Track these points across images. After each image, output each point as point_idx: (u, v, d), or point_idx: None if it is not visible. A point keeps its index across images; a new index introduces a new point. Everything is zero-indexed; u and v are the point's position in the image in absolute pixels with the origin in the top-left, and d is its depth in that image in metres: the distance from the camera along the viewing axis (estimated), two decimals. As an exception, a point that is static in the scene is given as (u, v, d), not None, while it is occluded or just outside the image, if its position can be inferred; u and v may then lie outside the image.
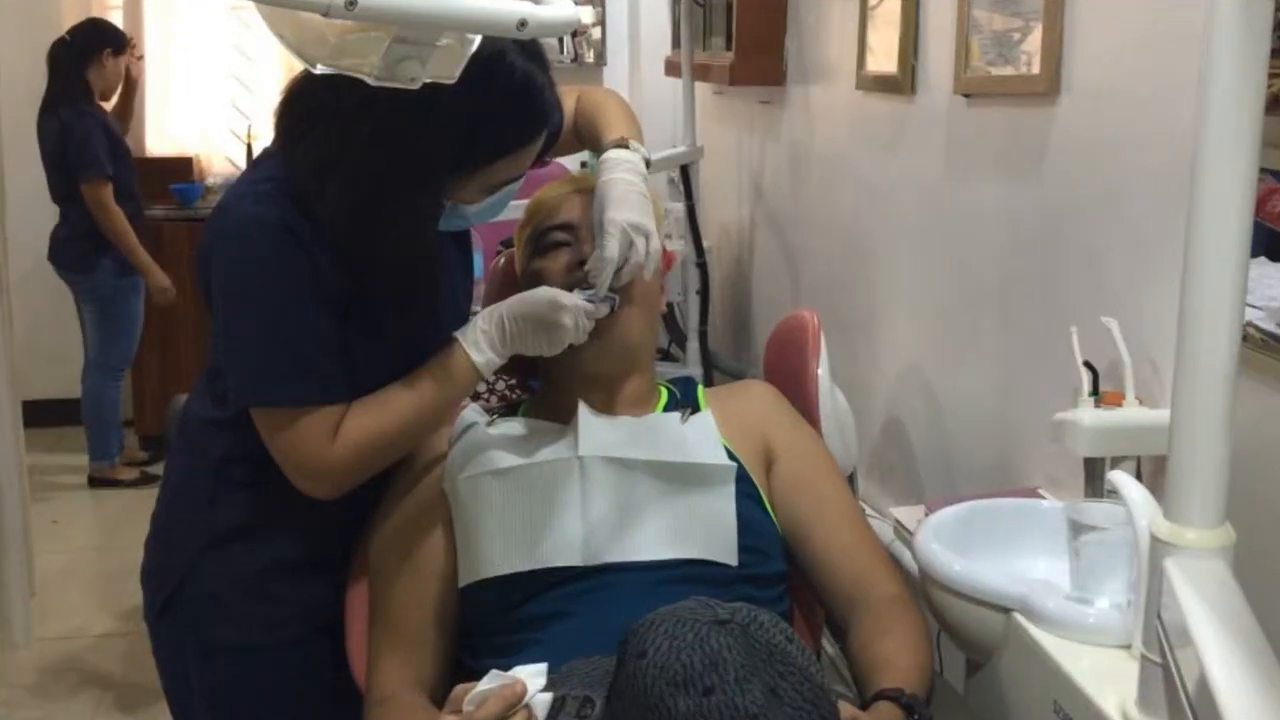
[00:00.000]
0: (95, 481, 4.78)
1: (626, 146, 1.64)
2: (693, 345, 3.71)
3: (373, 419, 1.51)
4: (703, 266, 3.67)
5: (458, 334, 1.55)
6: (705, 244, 3.69)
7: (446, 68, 1.34)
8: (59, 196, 4.53)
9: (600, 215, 1.56)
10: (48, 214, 4.61)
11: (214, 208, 1.57)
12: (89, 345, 4.73)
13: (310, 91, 1.46)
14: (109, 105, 4.68)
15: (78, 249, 4.53)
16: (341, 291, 1.49)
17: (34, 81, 4.60)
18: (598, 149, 1.69)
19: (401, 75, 1.31)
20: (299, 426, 1.49)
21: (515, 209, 1.78)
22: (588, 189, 1.66)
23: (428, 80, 1.33)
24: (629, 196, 1.57)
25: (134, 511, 4.36)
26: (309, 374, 1.48)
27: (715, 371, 3.69)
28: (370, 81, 1.31)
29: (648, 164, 1.64)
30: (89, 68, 4.51)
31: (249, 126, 5.39)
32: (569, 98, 1.78)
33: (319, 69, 1.32)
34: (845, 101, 2.89)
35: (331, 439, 1.49)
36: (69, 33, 4.56)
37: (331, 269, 1.48)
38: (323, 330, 1.49)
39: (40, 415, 4.83)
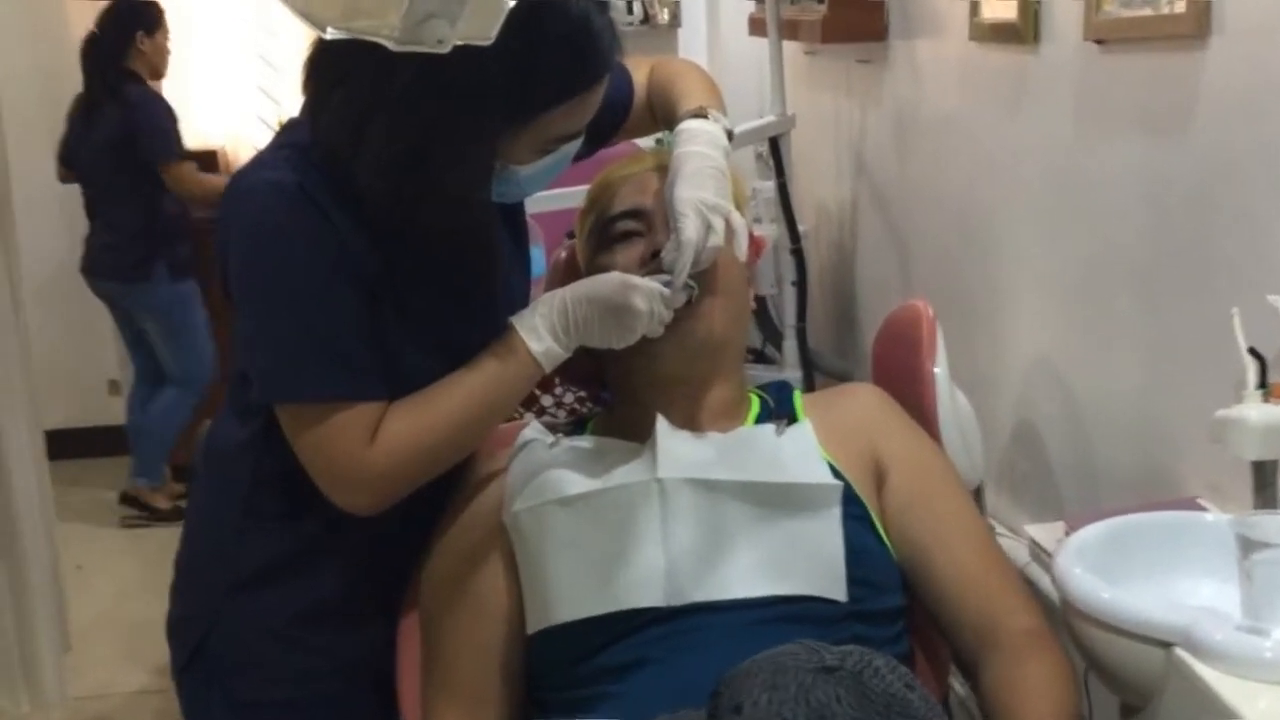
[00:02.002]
0: (128, 499, 4.88)
1: (704, 116, 1.63)
2: (790, 344, 3.68)
3: (417, 418, 1.50)
4: (798, 253, 3.64)
5: (514, 319, 1.54)
6: (800, 227, 3.66)
7: (480, 26, 1.32)
8: (107, 199, 4.64)
9: (671, 193, 1.54)
10: (57, 230, 4.71)
11: (229, 180, 1.56)
12: (164, 363, 4.82)
13: (341, 43, 1.46)
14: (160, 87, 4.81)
15: (128, 257, 4.63)
16: (373, 272, 1.48)
17: (40, 91, 4.71)
18: (672, 122, 1.68)
19: (427, 37, 1.30)
20: (330, 425, 1.48)
21: (579, 196, 1.77)
22: (663, 166, 1.65)
23: (458, 42, 1.31)
24: (703, 172, 1.56)
25: (165, 554, 4.37)
26: (340, 363, 1.48)
27: (816, 373, 3.67)
28: (391, 46, 1.30)
29: (730, 136, 1.62)
30: (125, 55, 4.63)
31: (279, 112, 5.45)
32: (640, 70, 1.77)
33: (329, 33, 1.31)
34: (957, 56, 2.85)
35: (368, 441, 1.48)
36: (96, 25, 4.69)
37: (362, 244, 1.47)
38: (353, 313, 1.48)
39: (59, 447, 4.93)
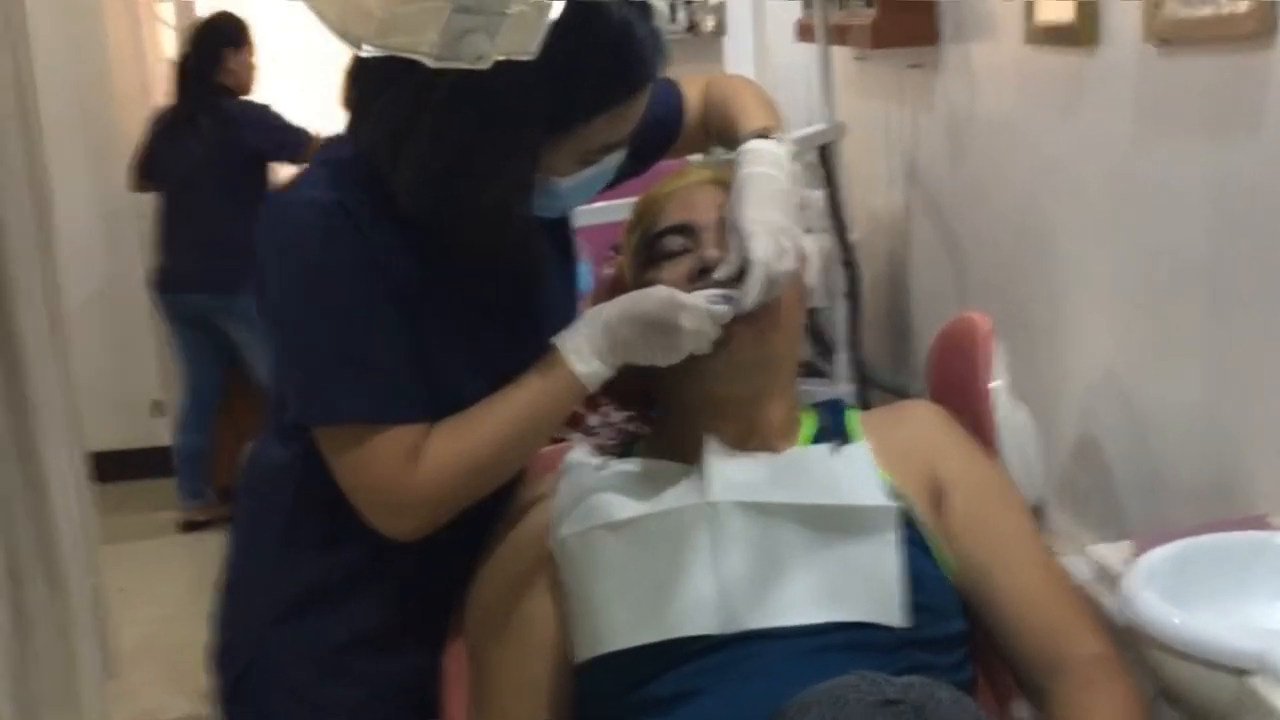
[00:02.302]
0: (192, 526, 4.95)
1: (768, 137, 1.62)
2: (842, 358, 3.67)
3: (459, 440, 1.50)
4: (850, 264, 3.62)
5: (557, 340, 1.53)
6: (852, 237, 3.64)
7: (520, 41, 1.31)
8: (204, 211, 4.71)
9: (738, 213, 1.53)
10: (99, 247, 4.74)
11: (268, 198, 1.57)
12: (261, 376, 4.86)
13: (379, 57, 1.46)
14: None
15: (225, 267, 4.66)
16: (414, 290, 1.48)
17: (80, 105, 4.77)
18: (732, 141, 1.67)
19: (466, 53, 1.30)
20: (370, 448, 1.47)
21: (624, 209, 1.76)
22: (709, 181, 1.64)
23: (499, 57, 1.30)
24: (772, 194, 1.55)
25: (209, 576, 4.41)
26: (379, 384, 1.47)
27: (870, 387, 3.64)
28: (429, 64, 1.30)
29: (796, 157, 1.62)
30: (214, 72, 4.75)
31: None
32: (692, 87, 1.77)
33: (365, 51, 1.31)
34: (1012, 59, 2.83)
35: (410, 463, 1.47)
36: (186, 43, 4.82)
37: (402, 260, 1.47)
38: (393, 332, 1.48)
39: (100, 469, 4.96)
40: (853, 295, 3.65)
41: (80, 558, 3.21)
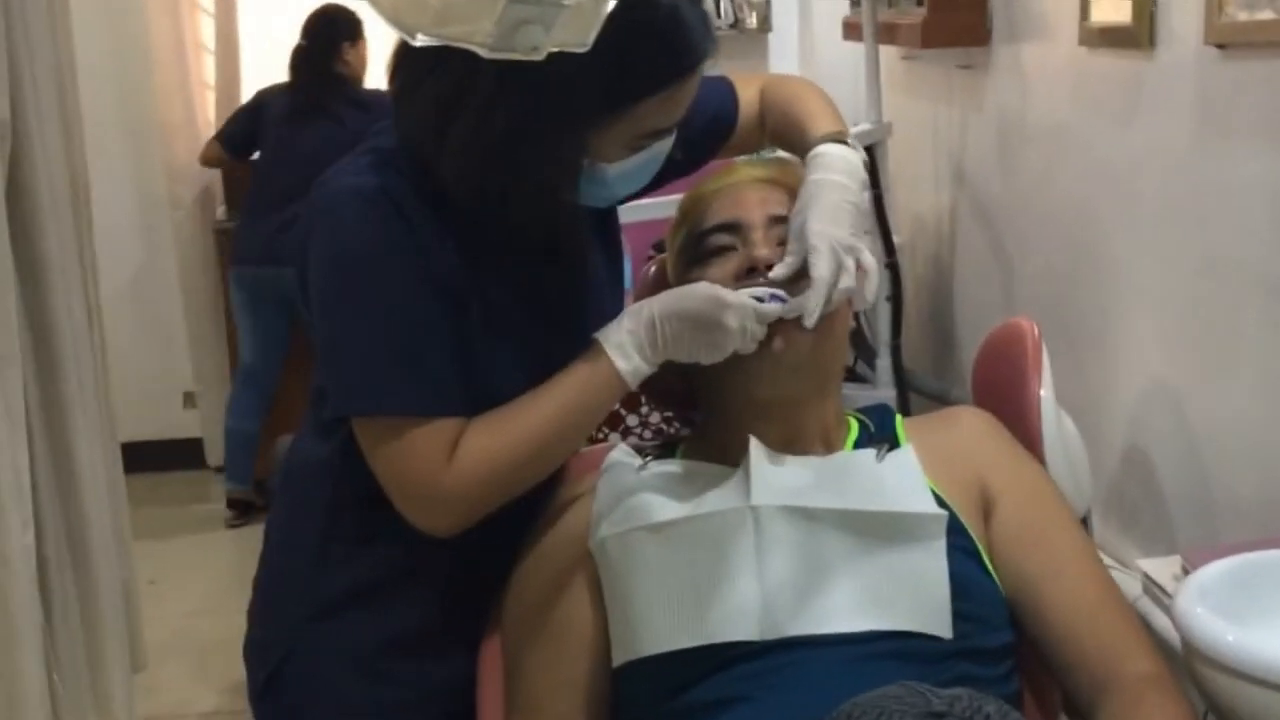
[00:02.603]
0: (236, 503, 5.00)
1: (843, 142, 1.61)
2: (883, 362, 3.66)
3: (497, 436, 1.49)
4: (894, 267, 3.62)
5: (599, 335, 1.53)
6: (896, 240, 3.63)
7: (576, 32, 1.32)
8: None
9: (803, 224, 1.52)
10: (132, 236, 4.76)
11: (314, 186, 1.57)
12: None
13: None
14: None
15: None
16: (460, 282, 1.48)
17: (117, 92, 4.79)
18: (798, 144, 1.67)
19: (521, 44, 1.30)
20: (408, 441, 1.47)
21: (674, 205, 1.75)
22: (759, 179, 1.64)
23: (553, 49, 1.31)
24: (841, 207, 1.54)
25: (239, 570, 4.44)
26: (420, 377, 1.47)
27: (911, 393, 3.63)
28: (483, 54, 1.30)
29: (868, 166, 1.62)
30: (333, 62, 4.83)
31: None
32: (749, 87, 1.77)
33: (419, 40, 1.32)
34: (1066, 61, 2.82)
35: (447, 459, 1.48)
36: (303, 34, 4.89)
37: (446, 251, 1.47)
38: (435, 324, 1.48)
39: (130, 461, 4.99)
40: (895, 299, 3.64)
41: (111, 551, 3.21)
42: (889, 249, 3.60)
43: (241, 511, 5.01)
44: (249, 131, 4.96)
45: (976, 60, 3.39)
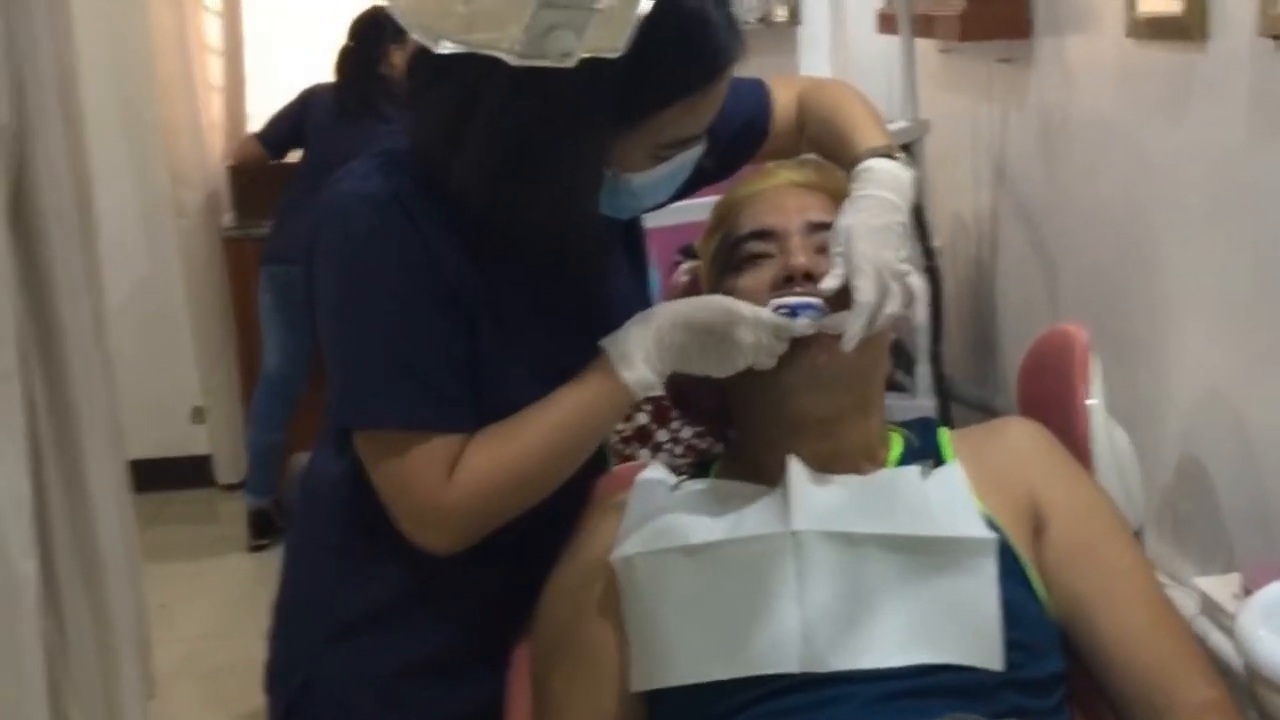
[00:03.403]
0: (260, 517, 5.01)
1: (891, 157, 1.61)
2: (923, 370, 3.63)
3: (498, 452, 1.50)
4: (933, 271, 3.59)
5: (605, 343, 1.53)
6: (934, 243, 3.62)
7: (608, 36, 1.33)
8: None
9: (849, 241, 1.52)
10: (136, 248, 4.90)
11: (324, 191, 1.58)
12: None
13: None
14: None
15: None
16: (471, 292, 1.49)
17: (121, 99, 4.81)
18: (843, 157, 1.66)
19: (551, 50, 1.31)
20: (408, 457, 1.48)
21: (705, 208, 1.75)
22: (797, 184, 1.63)
23: (585, 55, 1.31)
24: (889, 227, 1.54)
25: (251, 594, 4.47)
26: (423, 390, 1.48)
27: (953, 403, 3.62)
28: (511, 61, 1.30)
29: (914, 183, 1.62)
30: (379, 64, 4.87)
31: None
32: (785, 89, 1.77)
33: (444, 47, 1.32)
34: (1112, 53, 2.80)
35: (447, 475, 1.49)
36: (350, 35, 4.95)
37: (459, 260, 1.47)
38: (445, 336, 1.48)
39: (138, 479, 4.99)
40: (935, 304, 3.62)
41: (124, 572, 3.23)
42: (927, 252, 3.59)
43: (261, 531, 5.00)
44: (292, 130, 5.04)
45: (1018, 53, 3.38)
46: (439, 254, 1.47)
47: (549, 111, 1.40)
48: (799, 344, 1.52)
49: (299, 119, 5.03)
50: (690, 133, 1.50)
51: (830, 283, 1.52)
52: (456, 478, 1.48)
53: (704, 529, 1.51)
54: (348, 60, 4.93)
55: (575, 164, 1.44)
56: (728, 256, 1.63)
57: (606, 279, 1.58)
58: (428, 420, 1.48)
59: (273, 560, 4.81)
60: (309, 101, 5.04)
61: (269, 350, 5.01)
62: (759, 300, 1.53)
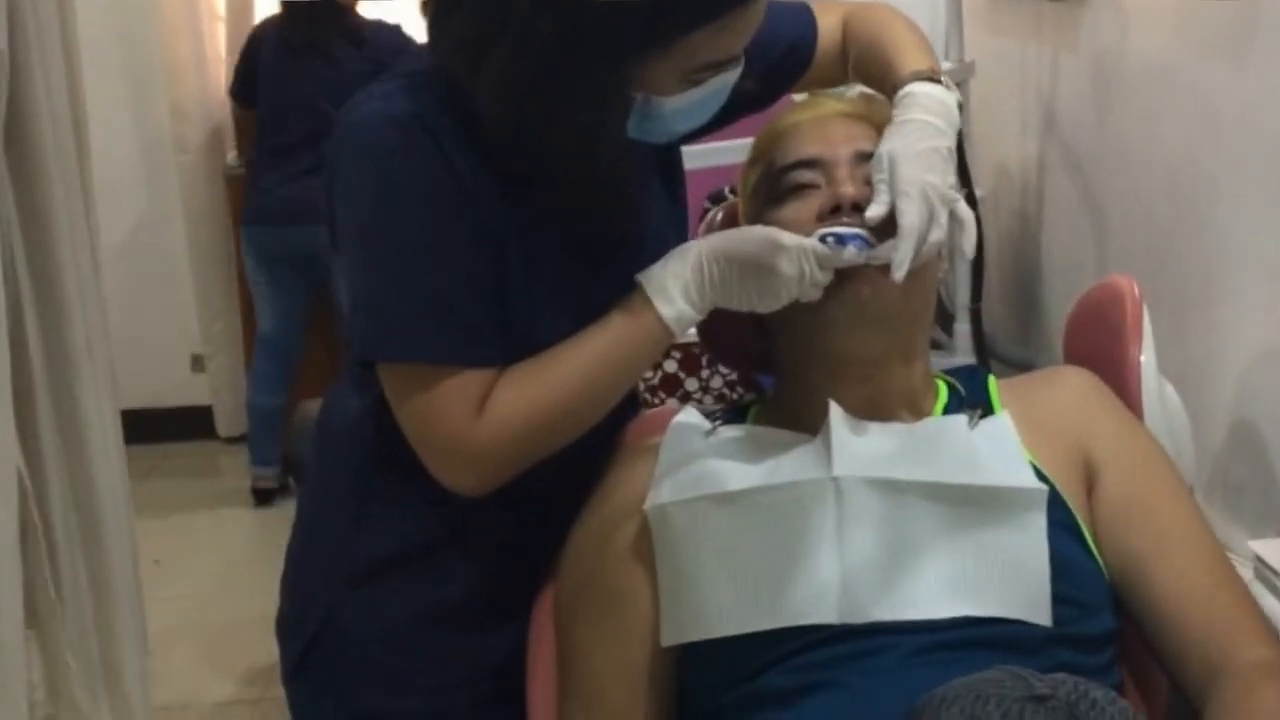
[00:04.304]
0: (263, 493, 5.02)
1: (937, 81, 1.61)
2: (962, 327, 3.64)
3: (529, 388, 1.51)
4: (974, 222, 3.60)
5: (641, 277, 1.53)
6: (977, 192, 3.61)
7: None
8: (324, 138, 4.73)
9: (893, 166, 1.52)
10: (134, 191, 4.94)
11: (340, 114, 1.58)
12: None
13: None
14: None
15: None
16: (499, 220, 1.49)
17: (118, 26, 4.91)
18: (887, 81, 1.67)
19: None
20: (436, 392, 1.49)
21: (738, 151, 1.75)
22: (844, 114, 1.63)
23: None
24: (936, 150, 1.54)
25: (252, 549, 4.50)
26: (452, 322, 1.49)
27: (993, 361, 3.62)
28: None
29: (960, 108, 1.61)
30: None
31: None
32: (829, 14, 1.77)
33: None
34: (1171, -7, 2.79)
35: (476, 412, 1.49)
36: None
37: (485, 186, 1.48)
38: (471, 266, 1.49)
39: (134, 430, 4.99)
40: (976, 258, 3.61)
41: (121, 524, 3.24)
42: (970, 202, 3.59)
43: (266, 498, 5.03)
44: (249, 77, 4.96)
45: (1071, -8, 3.37)
46: (464, 179, 1.47)
47: (576, 31, 1.40)
48: (844, 278, 1.52)
49: (250, 63, 4.94)
50: (724, 56, 1.50)
51: (876, 210, 1.51)
52: (486, 414, 1.49)
53: (740, 476, 1.52)
54: None
55: (602, 88, 1.44)
56: (771, 187, 1.63)
57: (640, 212, 1.58)
58: (456, 354, 1.48)
59: (275, 516, 4.87)
60: (254, 41, 4.94)
61: (260, 312, 5.01)
62: (804, 232, 1.53)
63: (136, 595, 3.34)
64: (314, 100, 4.72)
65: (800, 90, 1.78)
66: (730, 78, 1.53)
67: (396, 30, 4.86)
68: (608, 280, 1.55)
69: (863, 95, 1.73)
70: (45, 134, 2.79)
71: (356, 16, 4.88)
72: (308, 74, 4.75)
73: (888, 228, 1.51)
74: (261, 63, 4.88)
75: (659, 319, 1.51)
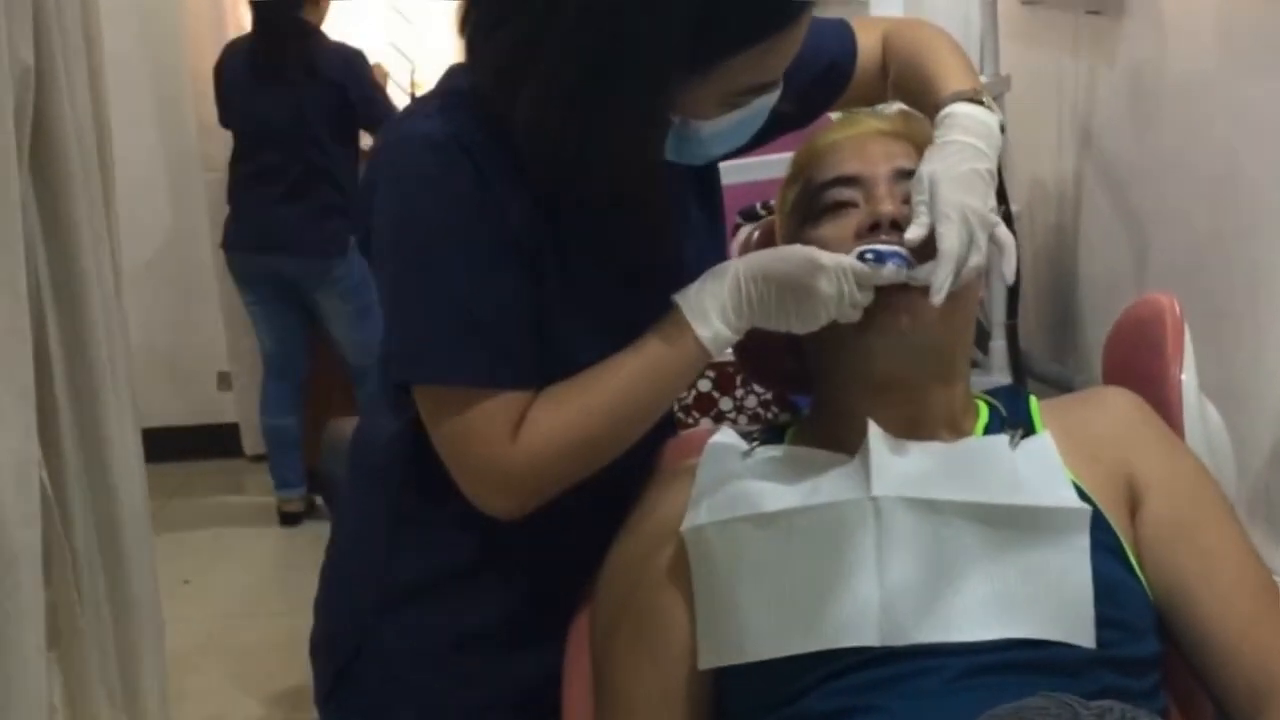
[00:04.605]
0: (290, 517, 5.02)
1: (980, 102, 1.61)
2: (997, 344, 3.63)
3: (565, 411, 1.51)
4: (1014, 246, 3.59)
5: (677, 297, 1.54)
6: (1013, 208, 3.60)
7: None
8: (305, 166, 4.80)
9: (933, 188, 1.51)
10: (159, 207, 4.94)
11: (380, 132, 1.60)
12: (347, 350, 4.97)
13: None
14: None
15: (327, 228, 4.79)
16: (537, 241, 1.50)
17: (145, 39, 4.87)
18: (928, 101, 1.66)
19: None
20: (471, 414, 1.49)
21: (771, 166, 1.75)
22: (884, 132, 1.63)
23: None
24: (978, 174, 1.54)
25: (279, 568, 4.52)
26: (487, 344, 1.49)
27: (1030, 380, 3.61)
28: None
29: (1002, 129, 1.61)
30: (300, 5, 4.81)
31: (412, 72, 5.51)
32: (869, 32, 1.77)
33: None
34: (1212, 3, 2.78)
35: (512, 434, 1.50)
36: None
37: (523, 207, 1.48)
38: (509, 287, 1.50)
39: (161, 448, 5.02)
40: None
41: (143, 543, 3.25)
42: (1005, 217, 3.58)
43: (292, 520, 5.02)
44: (224, 94, 4.96)
45: (1108, 4, 3.35)
46: (502, 198, 1.48)
47: (614, 57, 1.40)
48: (884, 303, 1.52)
49: (221, 87, 4.95)
50: (765, 80, 1.50)
51: (915, 231, 1.51)
52: (522, 437, 1.49)
53: (778, 497, 1.51)
54: (261, 6, 4.80)
55: (642, 111, 1.45)
56: (808, 205, 1.63)
57: (678, 233, 1.59)
58: (492, 376, 1.49)
59: (303, 535, 4.89)
60: (223, 64, 4.94)
61: (260, 334, 5.04)
62: (842, 250, 1.53)
63: (158, 615, 3.34)
64: (284, 126, 4.76)
65: (839, 109, 1.78)
66: (769, 101, 1.54)
67: (359, 60, 4.87)
68: (645, 301, 1.55)
69: (902, 113, 1.73)
70: (70, 151, 2.80)
71: (324, 39, 4.88)
72: (276, 99, 4.76)
73: (927, 250, 1.51)
74: (230, 86, 4.88)
75: (696, 340, 1.51)
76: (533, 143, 1.46)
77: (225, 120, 4.96)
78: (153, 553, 3.48)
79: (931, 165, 1.54)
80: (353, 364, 4.96)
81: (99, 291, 2.92)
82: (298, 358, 5.03)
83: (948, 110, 1.61)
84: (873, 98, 1.78)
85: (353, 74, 4.78)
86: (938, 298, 1.48)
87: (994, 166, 1.57)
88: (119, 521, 3.06)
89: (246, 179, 4.86)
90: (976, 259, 1.51)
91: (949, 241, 1.48)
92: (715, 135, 1.52)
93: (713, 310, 1.51)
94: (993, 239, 1.54)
